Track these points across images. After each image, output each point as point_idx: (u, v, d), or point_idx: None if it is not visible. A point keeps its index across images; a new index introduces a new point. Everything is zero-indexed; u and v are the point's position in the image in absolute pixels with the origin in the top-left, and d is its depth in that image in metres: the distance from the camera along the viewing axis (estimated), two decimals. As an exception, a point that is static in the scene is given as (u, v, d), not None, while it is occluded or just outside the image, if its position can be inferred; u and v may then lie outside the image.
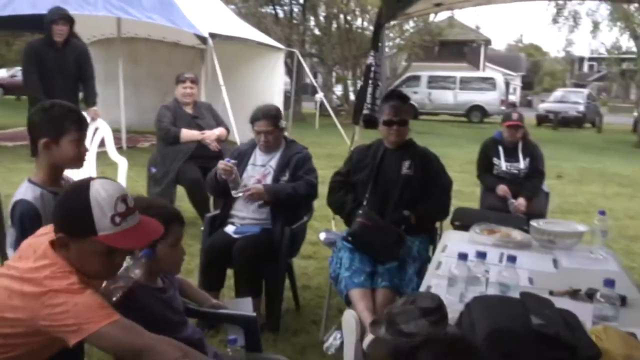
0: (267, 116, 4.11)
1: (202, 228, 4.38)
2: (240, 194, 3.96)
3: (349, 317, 3.34)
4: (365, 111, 5.30)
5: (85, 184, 1.85)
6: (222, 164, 3.92)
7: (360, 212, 3.72)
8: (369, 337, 3.18)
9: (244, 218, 4.02)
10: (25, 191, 2.32)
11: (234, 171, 3.92)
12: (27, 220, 2.27)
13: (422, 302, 2.14)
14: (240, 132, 6.51)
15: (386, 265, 3.53)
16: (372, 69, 5.37)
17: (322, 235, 4.32)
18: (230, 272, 4.04)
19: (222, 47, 9.58)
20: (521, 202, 5.32)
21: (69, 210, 1.85)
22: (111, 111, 10.59)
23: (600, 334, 2.05)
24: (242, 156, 4.11)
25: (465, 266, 2.47)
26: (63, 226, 1.84)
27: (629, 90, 39.46)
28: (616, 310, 2.25)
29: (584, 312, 2.28)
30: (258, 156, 4.14)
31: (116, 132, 7.36)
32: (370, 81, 5.32)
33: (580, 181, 11.36)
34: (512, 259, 2.55)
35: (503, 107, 26.18)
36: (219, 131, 5.83)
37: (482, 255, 2.55)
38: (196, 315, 2.54)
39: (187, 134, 5.72)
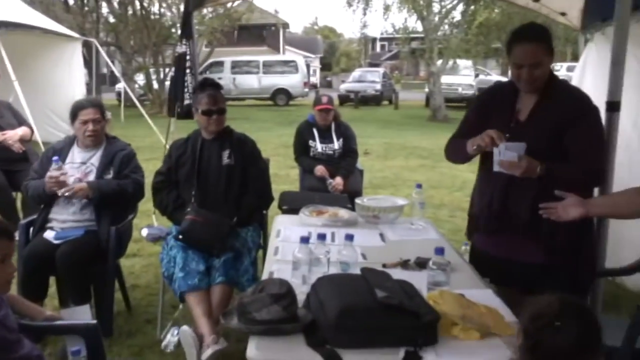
0: (93, 104, 3.93)
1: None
2: (67, 194, 3.71)
3: (185, 335, 3.30)
4: (187, 101, 5.20)
5: None
6: (52, 177, 3.67)
7: (189, 209, 3.66)
8: (208, 351, 3.19)
9: (65, 221, 3.77)
10: None
11: (65, 177, 3.70)
12: None
13: (271, 288, 2.18)
14: (41, 130, 6.04)
15: (222, 257, 3.52)
16: (187, 57, 5.27)
17: (145, 232, 4.19)
18: (52, 280, 3.78)
19: (10, 37, 8.83)
20: (339, 181, 5.54)
21: None
22: None
23: (437, 299, 2.22)
24: (58, 155, 3.84)
25: (308, 249, 2.53)
26: None
27: (419, 68, 42.49)
28: (447, 276, 2.45)
29: (416, 279, 2.44)
30: (77, 153, 3.89)
31: None
32: (187, 70, 5.22)
33: (386, 156, 12.09)
34: (349, 237, 2.66)
35: (306, 89, 27.02)
36: (22, 131, 5.38)
37: (322, 237, 2.63)
38: (31, 330, 2.35)
39: None
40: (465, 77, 26.17)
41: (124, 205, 3.94)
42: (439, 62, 21.72)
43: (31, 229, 3.86)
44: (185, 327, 3.34)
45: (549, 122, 2.74)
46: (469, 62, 25.42)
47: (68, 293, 3.57)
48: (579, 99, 2.82)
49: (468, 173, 10.13)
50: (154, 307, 4.08)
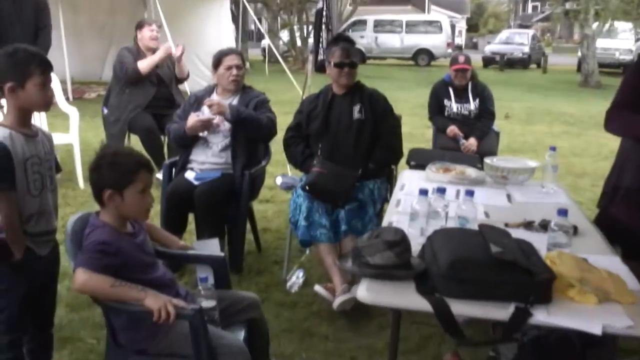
0: (235, 51, 4.16)
1: (157, 175, 4.38)
2: (206, 134, 3.97)
3: (318, 292, 3.58)
4: (320, 57, 5.31)
5: None
6: (197, 121, 3.93)
7: (315, 161, 3.77)
8: (337, 300, 3.40)
9: (203, 163, 4.03)
10: None
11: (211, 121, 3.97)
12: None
13: (386, 235, 2.23)
14: (190, 81, 6.43)
15: (346, 207, 3.61)
16: (324, 13, 5.35)
17: (279, 180, 4.38)
18: (190, 218, 4.07)
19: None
20: (472, 142, 5.45)
21: None
22: (54, 62, 10.18)
23: (555, 259, 2.18)
24: (199, 102, 4.09)
25: (426, 201, 2.56)
26: None
27: (573, 30, 40.07)
28: (569, 238, 2.38)
29: (538, 241, 2.40)
30: (216, 100, 4.12)
31: (61, 83, 7.17)
32: (323, 26, 5.31)
33: (528, 121, 11.64)
34: (470, 193, 2.65)
35: (450, 50, 26.35)
36: (179, 50, 5.75)
37: (441, 191, 2.64)
38: (166, 257, 2.58)
39: (145, 62, 5.62)
40: (623, 41, 24.34)
41: (259, 135, 4.11)
42: (595, 24, 20.31)
43: (174, 170, 4.16)
44: (317, 287, 3.59)
45: None
46: (628, 25, 23.55)
47: (204, 230, 3.82)
48: None
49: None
50: (282, 250, 4.28)
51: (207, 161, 4.03)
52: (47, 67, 2.29)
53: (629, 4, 19.66)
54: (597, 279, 2.10)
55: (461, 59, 5.60)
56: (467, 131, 5.54)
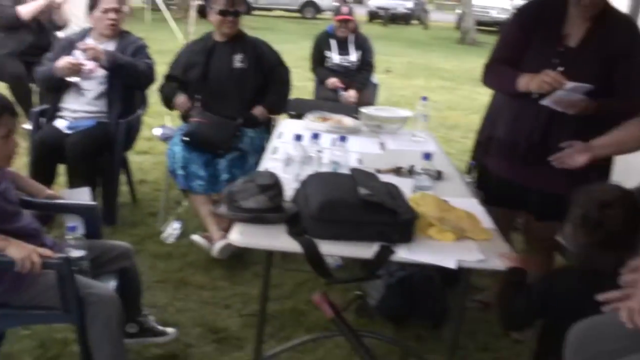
0: None
1: (25, 126, 4.18)
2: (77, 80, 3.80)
3: (196, 241, 3.62)
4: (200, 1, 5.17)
5: None
6: (67, 62, 3.71)
7: (194, 112, 3.73)
8: (217, 244, 3.45)
9: (76, 111, 3.87)
10: None
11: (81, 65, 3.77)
12: None
13: (260, 179, 2.27)
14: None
15: (227, 157, 3.62)
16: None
17: (158, 131, 4.29)
18: (62, 170, 3.92)
19: None
20: (351, 93, 5.56)
21: None
22: None
23: (418, 200, 2.30)
24: (73, 46, 3.89)
25: (301, 146, 2.61)
26: None
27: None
28: (432, 181, 2.52)
29: (405, 185, 2.51)
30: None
31: None
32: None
33: (407, 75, 11.98)
34: (342, 139, 2.73)
35: (336, 3, 26.36)
36: None
37: (315, 136, 2.69)
38: (32, 206, 2.48)
39: (27, 7, 5.21)
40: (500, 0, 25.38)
41: (133, 98, 4.02)
42: (473, -19, 21.06)
43: (44, 119, 3.97)
44: (194, 236, 3.60)
45: (601, 53, 2.62)
46: (505, -16, 24.53)
47: (76, 181, 3.69)
48: (633, 29, 2.70)
49: (487, 97, 10.05)
50: (158, 202, 4.23)
51: (80, 109, 3.87)
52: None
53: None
54: (455, 218, 2.24)
55: (344, 9, 5.66)
56: (348, 83, 5.64)
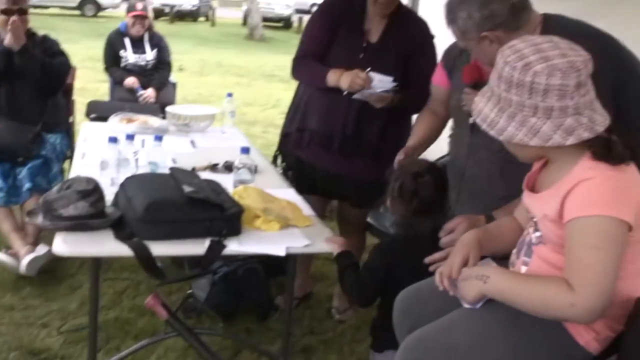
0: None
1: None
2: None
3: (2, 259, 3.33)
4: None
5: None
6: None
7: None
8: (24, 260, 3.23)
9: None
10: None
11: None
12: None
13: (78, 185, 2.20)
14: None
15: (28, 165, 3.41)
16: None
17: None
18: None
19: None
20: (150, 92, 5.45)
21: None
22: None
23: (242, 194, 2.37)
24: None
25: (116, 149, 2.55)
26: None
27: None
28: (252, 174, 2.60)
29: (224, 181, 2.55)
30: None
31: None
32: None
33: (201, 73, 11.97)
34: (158, 138, 2.71)
35: (118, 0, 25.47)
36: None
37: (130, 137, 2.65)
38: None
39: None
40: (283, -4, 26.28)
41: None
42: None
43: None
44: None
45: (398, 48, 2.85)
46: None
47: None
48: (424, 26, 2.97)
49: (282, 91, 10.39)
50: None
51: None
52: None
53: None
54: (278, 208, 2.35)
55: (139, 5, 5.50)
56: (145, 82, 5.52)
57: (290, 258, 2.31)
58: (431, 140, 2.62)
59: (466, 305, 1.71)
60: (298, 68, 3.04)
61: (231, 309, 3.07)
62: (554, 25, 2.01)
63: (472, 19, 2.00)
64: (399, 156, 2.43)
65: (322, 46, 2.93)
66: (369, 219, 3.35)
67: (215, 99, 9.32)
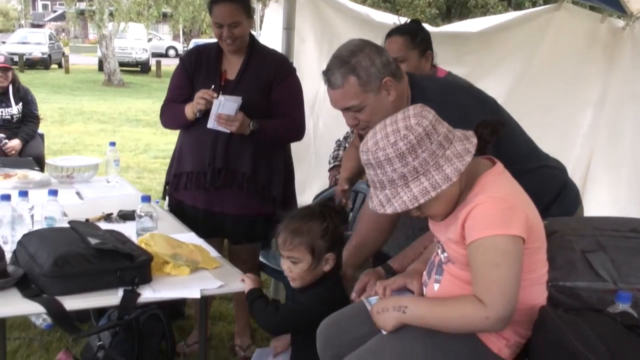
0: None
1: None
2: None
3: None
4: None
5: None
6: None
7: None
8: None
9: None
10: None
11: None
12: None
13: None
14: None
15: None
16: None
17: None
18: None
19: None
20: (16, 142, 5.28)
21: None
22: None
23: (149, 241, 2.38)
24: None
25: (9, 206, 2.47)
26: None
27: (88, 30, 40.45)
28: (154, 221, 2.62)
29: (123, 229, 2.55)
30: None
31: None
32: None
33: (62, 122, 11.54)
34: (53, 192, 2.65)
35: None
36: None
37: (24, 194, 2.58)
38: None
39: None
40: (138, 40, 25.89)
41: None
42: (111, 24, 21.06)
43: None
44: None
45: (257, 80, 2.99)
46: (141, 25, 25.05)
47: None
48: (281, 59, 3.19)
49: (150, 135, 10.27)
50: None
51: None
52: None
53: (140, 5, 20.88)
54: (187, 252, 2.38)
55: (1, 58, 5.34)
56: (11, 135, 5.34)
57: (199, 301, 2.34)
58: (360, 172, 2.76)
59: (384, 332, 1.85)
60: (163, 115, 3.21)
61: (134, 357, 3.02)
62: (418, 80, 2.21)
63: (375, 66, 2.05)
64: (342, 187, 2.59)
65: (183, 92, 3.10)
66: (261, 258, 3.42)
67: (82, 147, 9.06)
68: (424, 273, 1.94)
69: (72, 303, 2.04)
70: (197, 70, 3.09)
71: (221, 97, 2.85)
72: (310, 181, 4.83)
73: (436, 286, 1.85)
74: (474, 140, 1.70)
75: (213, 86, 2.94)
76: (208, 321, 3.40)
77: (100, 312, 3.05)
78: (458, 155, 1.66)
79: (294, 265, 2.17)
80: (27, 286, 2.10)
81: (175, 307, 3.49)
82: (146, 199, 2.62)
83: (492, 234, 1.63)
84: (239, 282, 2.30)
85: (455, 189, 1.70)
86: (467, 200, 1.70)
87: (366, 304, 2.01)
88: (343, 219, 2.26)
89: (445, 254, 1.81)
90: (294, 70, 3.18)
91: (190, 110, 2.96)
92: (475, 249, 1.66)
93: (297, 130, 3.15)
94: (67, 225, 2.41)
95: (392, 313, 1.79)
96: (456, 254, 1.75)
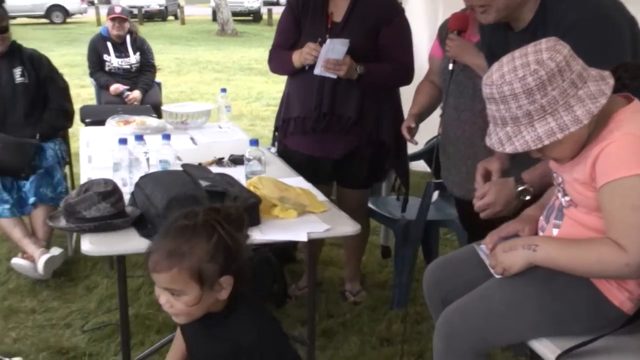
0: None
1: None
2: None
3: (18, 265, 3.40)
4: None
5: None
6: None
7: None
8: (41, 260, 3.31)
9: None
10: None
11: None
12: None
13: (97, 188, 2.23)
14: None
15: (30, 179, 3.47)
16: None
17: None
18: None
19: None
20: (136, 93, 5.48)
21: None
22: None
23: (257, 184, 2.41)
24: None
25: (127, 150, 2.58)
26: None
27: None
28: (263, 165, 2.65)
29: (233, 173, 2.60)
30: None
31: None
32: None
33: (179, 72, 11.94)
34: (166, 137, 2.74)
35: (84, 5, 25.23)
36: None
37: (139, 138, 2.68)
38: None
39: None
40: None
41: None
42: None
43: None
44: (15, 260, 3.39)
45: (364, 23, 2.93)
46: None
47: None
48: (388, 2, 3.08)
49: (262, 84, 10.42)
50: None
51: None
52: None
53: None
54: (294, 195, 2.39)
55: (117, 9, 5.55)
56: (131, 84, 5.55)
57: (307, 244, 2.35)
58: (431, 108, 2.76)
59: (497, 276, 1.77)
60: (271, 60, 3.20)
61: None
62: None
63: None
64: (409, 123, 2.58)
65: (290, 36, 3.07)
66: (370, 205, 3.39)
67: (198, 96, 9.33)
68: (541, 218, 1.83)
69: (185, 243, 2.10)
70: (304, 13, 3.05)
71: (328, 41, 2.81)
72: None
73: (555, 231, 1.74)
74: (611, 82, 1.56)
75: (320, 39, 2.89)
76: (317, 265, 3.46)
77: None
78: (591, 96, 1.53)
79: (175, 298, 1.57)
80: (144, 226, 2.20)
81: (287, 251, 3.55)
82: (254, 142, 2.65)
83: (630, 173, 1.50)
84: (346, 226, 2.28)
85: (585, 131, 1.57)
86: (600, 137, 1.57)
87: (478, 250, 1.94)
88: (239, 225, 1.66)
89: (567, 198, 1.69)
90: (402, 11, 3.09)
91: (297, 59, 2.95)
92: (611, 191, 1.53)
93: (406, 74, 3.05)
94: (181, 169, 2.49)
95: (520, 252, 1.69)
96: (581, 196, 1.63)
